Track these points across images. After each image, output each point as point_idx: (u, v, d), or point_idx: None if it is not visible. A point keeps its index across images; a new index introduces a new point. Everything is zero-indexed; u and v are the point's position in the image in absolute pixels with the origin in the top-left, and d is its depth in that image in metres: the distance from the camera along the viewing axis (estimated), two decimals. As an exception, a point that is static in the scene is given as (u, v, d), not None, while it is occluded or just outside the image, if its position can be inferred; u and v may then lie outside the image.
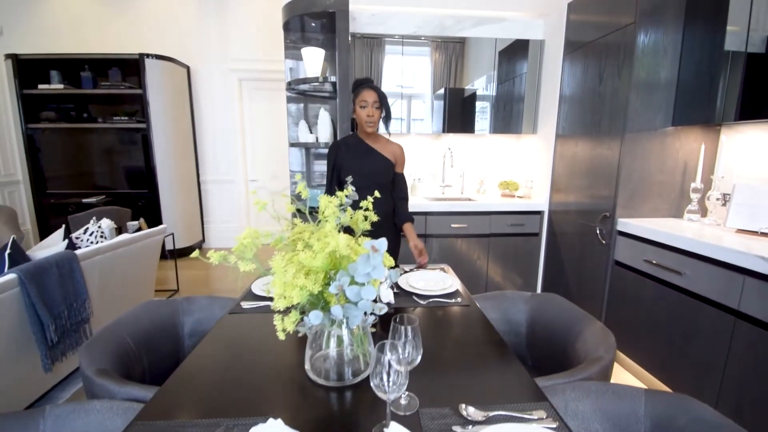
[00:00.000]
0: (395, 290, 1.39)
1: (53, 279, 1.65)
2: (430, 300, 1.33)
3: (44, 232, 4.23)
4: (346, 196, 0.92)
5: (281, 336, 0.74)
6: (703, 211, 2.05)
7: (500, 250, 2.88)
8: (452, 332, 1.18)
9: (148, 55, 3.91)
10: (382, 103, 1.73)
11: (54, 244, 2.23)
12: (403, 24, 2.84)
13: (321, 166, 3.10)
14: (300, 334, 0.80)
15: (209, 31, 4.39)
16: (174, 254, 3.49)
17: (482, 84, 3.05)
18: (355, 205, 0.95)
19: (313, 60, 2.47)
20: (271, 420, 0.70)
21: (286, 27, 2.65)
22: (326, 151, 2.99)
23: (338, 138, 2.54)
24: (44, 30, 4.29)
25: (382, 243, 0.65)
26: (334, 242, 0.68)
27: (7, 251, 1.92)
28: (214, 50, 4.42)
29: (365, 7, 2.75)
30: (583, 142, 2.45)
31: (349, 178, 1.06)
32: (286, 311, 0.75)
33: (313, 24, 2.65)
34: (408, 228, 1.85)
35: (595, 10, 2.34)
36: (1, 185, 4.31)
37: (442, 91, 3.04)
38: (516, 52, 2.98)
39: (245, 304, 1.31)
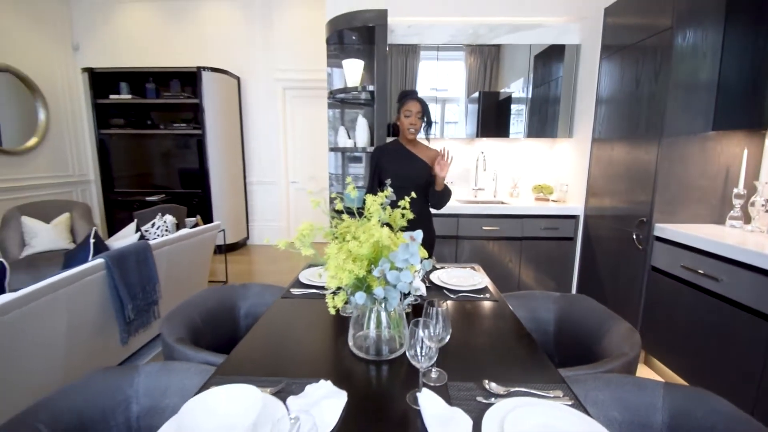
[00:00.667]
0: (427, 284, 1.51)
1: (132, 265, 1.92)
2: (460, 294, 1.44)
3: (110, 226, 4.73)
4: (386, 196, 1.06)
5: (332, 311, 0.88)
6: (747, 218, 2.00)
7: (533, 253, 2.91)
8: (480, 323, 1.28)
9: (204, 68, 4.28)
10: (425, 113, 1.91)
11: (128, 236, 2.54)
12: (438, 34, 2.96)
13: (355, 169, 3.27)
14: (348, 311, 0.94)
15: (257, 45, 4.73)
16: (224, 249, 3.79)
17: (517, 87, 3.09)
18: (393, 205, 1.09)
19: (353, 70, 2.64)
20: (322, 381, 0.85)
21: (329, 41, 2.84)
22: (362, 155, 3.19)
23: (375, 142, 2.70)
24: (115, 46, 4.81)
25: (419, 233, 0.78)
26: (378, 234, 0.82)
27: (92, 240, 2.24)
28: (262, 62, 4.76)
29: (402, 19, 2.89)
30: (620, 146, 2.45)
31: (388, 181, 1.20)
32: (337, 290, 0.90)
33: (354, 37, 2.82)
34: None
35: (633, 14, 2.34)
36: (75, 184, 4.87)
37: (476, 94, 3.12)
38: (552, 56, 3.01)
39: (295, 291, 1.48)
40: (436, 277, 1.58)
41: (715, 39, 1.99)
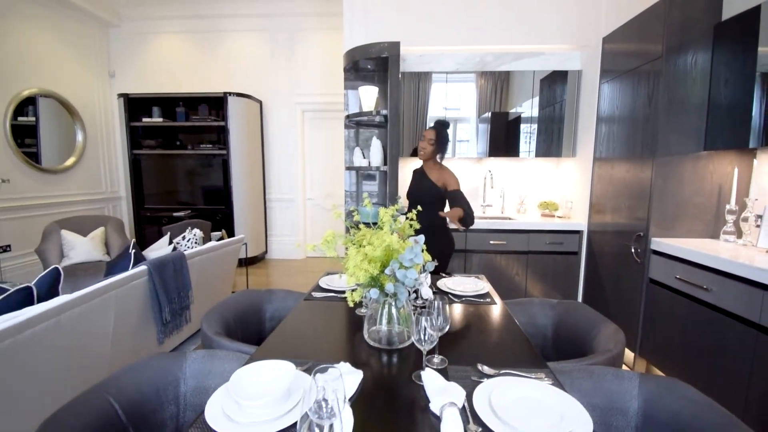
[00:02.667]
0: (434, 290, 1.67)
1: (170, 272, 2.15)
2: (464, 298, 1.60)
3: (140, 239, 5.03)
4: (397, 209, 1.25)
5: (350, 303, 1.06)
6: (740, 232, 2.11)
7: (539, 267, 3.03)
8: (479, 320, 1.43)
9: (230, 93, 4.64)
10: (438, 140, 2.28)
11: (162, 247, 2.79)
12: (447, 62, 3.20)
13: (369, 187, 3.46)
14: (363, 311, 1.12)
15: (280, 72, 5.10)
16: (245, 261, 4.02)
17: (526, 108, 3.28)
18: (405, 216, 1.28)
19: (368, 96, 2.88)
20: (342, 362, 1.02)
21: (346, 69, 3.11)
22: (376, 173, 3.41)
23: (388, 162, 2.91)
24: (148, 73, 5.24)
25: (421, 237, 0.96)
26: (388, 239, 1.00)
27: (132, 250, 2.48)
28: (283, 87, 5.11)
29: (413, 48, 3.15)
30: (620, 165, 2.59)
31: (399, 197, 1.39)
32: (354, 288, 1.08)
33: (369, 66, 3.08)
34: (454, 209, 2.16)
35: (628, 42, 2.53)
36: (107, 200, 5.23)
37: (487, 114, 3.31)
38: (556, 80, 3.20)
39: (316, 294, 1.66)
40: (443, 283, 1.75)
41: (704, 64, 2.15)
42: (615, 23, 2.74)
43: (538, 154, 3.29)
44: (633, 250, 2.38)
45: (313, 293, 1.68)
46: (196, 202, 5.12)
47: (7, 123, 3.90)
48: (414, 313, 0.98)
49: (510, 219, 3.25)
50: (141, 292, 2.02)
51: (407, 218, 1.22)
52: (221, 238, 3.41)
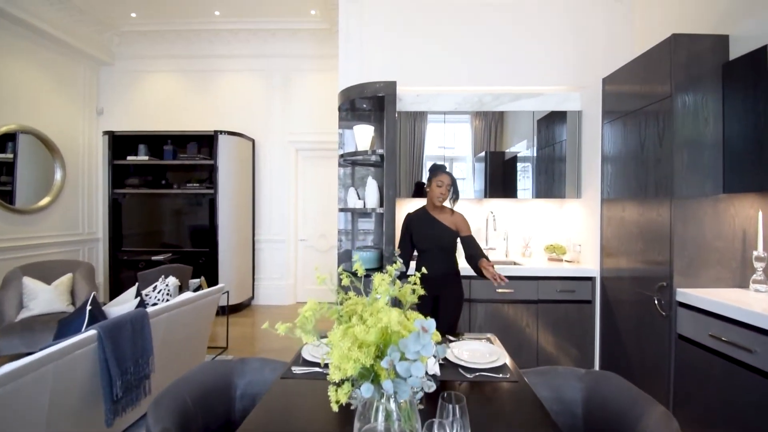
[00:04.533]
0: (441, 361, 1.39)
1: (126, 336, 1.83)
2: (477, 374, 1.32)
3: (115, 285, 4.66)
4: (396, 269, 1.01)
5: (335, 407, 0.79)
6: (774, 283, 1.89)
7: (551, 318, 2.76)
8: (501, 411, 1.15)
9: (221, 132, 4.51)
10: (453, 185, 2.25)
11: (127, 301, 2.47)
12: (444, 102, 3.10)
13: (364, 225, 3.23)
14: (353, 407, 0.84)
15: (274, 110, 5.02)
16: (226, 311, 3.68)
17: (522, 148, 3.15)
18: (403, 276, 1.03)
19: (363, 135, 2.73)
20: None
21: (341, 108, 2.98)
22: (372, 215, 3.20)
23: (384, 203, 2.70)
24: (137, 110, 5.13)
25: (431, 323, 0.71)
26: (386, 318, 0.75)
27: (88, 307, 2.17)
28: (277, 125, 5.01)
29: (410, 89, 3.06)
30: (631, 206, 2.41)
31: (398, 251, 1.16)
32: (340, 383, 0.81)
33: (364, 105, 2.96)
34: (483, 261, 2.12)
35: (631, 83, 2.43)
36: (83, 242, 4.91)
37: (483, 154, 3.18)
38: (554, 120, 3.10)
39: (296, 369, 1.37)
40: (450, 351, 1.47)
41: (715, 104, 2.03)
42: (613, 64, 2.68)
43: (538, 195, 3.13)
44: (656, 302, 2.13)
45: (293, 368, 1.39)
46: (181, 243, 4.82)
47: (-23, 161, 3.66)
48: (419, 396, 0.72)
49: (516, 264, 3.01)
50: (87, 363, 1.70)
51: (408, 280, 0.97)
52: (200, 287, 3.10)
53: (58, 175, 4.57)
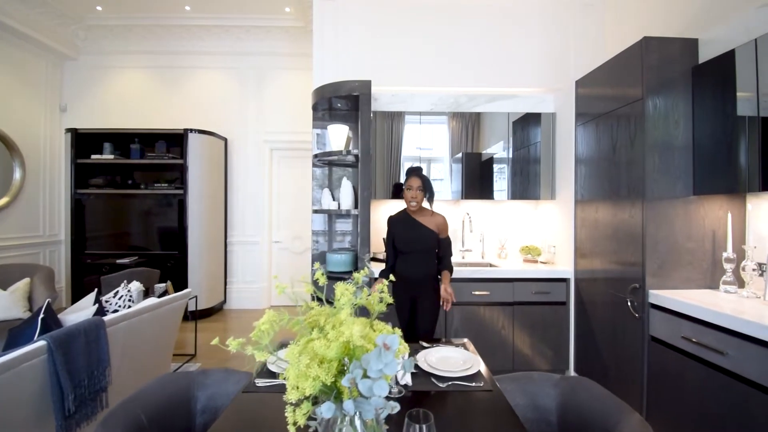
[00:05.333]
0: (413, 370, 1.34)
1: (79, 346, 1.70)
2: (450, 383, 1.27)
3: (77, 289, 4.41)
4: (365, 275, 0.95)
5: (291, 430, 0.72)
6: (740, 282, 1.94)
7: (526, 319, 2.76)
8: (474, 423, 1.10)
9: (191, 130, 4.32)
10: (425, 187, 2.23)
11: (85, 308, 2.31)
12: (420, 102, 3.07)
13: (342, 226, 3.16)
14: (311, 430, 0.78)
15: (247, 109, 4.86)
16: (195, 316, 3.52)
17: (498, 149, 3.15)
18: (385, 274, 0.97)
19: (338, 135, 2.65)
20: None
21: (315, 107, 2.90)
22: (349, 216, 3.13)
23: (359, 205, 2.64)
24: (103, 108, 4.87)
25: (394, 339, 0.65)
26: (348, 332, 0.69)
27: (41, 315, 2.01)
28: (250, 124, 4.85)
29: (386, 88, 3.01)
30: (604, 208, 2.44)
31: (367, 256, 1.10)
32: (298, 402, 0.74)
33: (339, 104, 2.89)
34: (445, 275, 2.24)
35: (603, 86, 2.46)
36: (44, 245, 4.62)
37: (460, 155, 3.16)
38: (529, 122, 3.11)
39: (259, 382, 1.29)
40: (423, 359, 1.42)
41: (685, 106, 2.07)
42: (586, 66, 2.71)
43: (514, 196, 3.14)
44: (629, 303, 2.15)
45: (257, 380, 1.31)
46: (149, 246, 4.60)
47: None
48: (384, 414, 0.66)
49: (492, 266, 3.01)
50: (36, 376, 1.56)
51: (377, 290, 0.91)
52: (165, 292, 2.95)
53: (17, 175, 4.29)
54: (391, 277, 1.03)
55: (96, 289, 2.50)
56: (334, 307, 0.84)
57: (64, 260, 4.67)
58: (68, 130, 4.43)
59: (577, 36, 3.01)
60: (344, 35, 3.04)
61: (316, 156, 2.86)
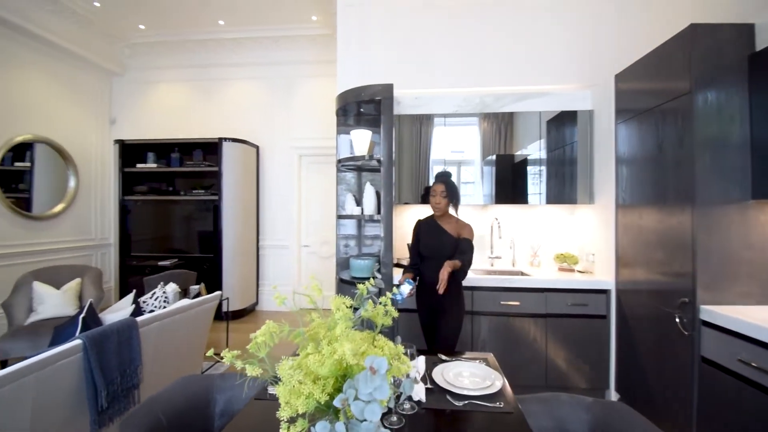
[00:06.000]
0: (428, 385, 1.27)
1: (113, 345, 1.78)
2: (467, 401, 1.19)
3: (123, 289, 4.71)
4: (373, 285, 0.90)
5: (284, 450, 0.69)
6: (814, 300, 1.69)
7: (561, 333, 2.58)
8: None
9: (225, 139, 4.51)
10: (449, 192, 2.17)
11: (123, 308, 2.44)
12: (444, 104, 2.99)
13: (372, 230, 3.12)
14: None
15: (277, 117, 5.00)
16: (227, 317, 3.63)
17: (532, 152, 3.00)
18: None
19: (361, 140, 2.63)
20: None
21: (339, 112, 2.91)
22: (371, 222, 3.10)
23: (382, 210, 2.61)
24: (147, 119, 5.20)
25: (382, 363, 0.60)
26: (340, 350, 0.65)
27: (82, 314, 2.14)
28: (280, 132, 4.99)
29: (408, 91, 2.96)
30: (648, 213, 2.24)
31: (376, 266, 1.05)
32: (293, 420, 0.71)
33: (362, 109, 2.88)
34: (449, 262, 2.01)
35: (646, 79, 2.27)
36: (95, 247, 4.97)
37: (492, 157, 3.04)
38: (564, 121, 2.94)
39: (272, 390, 1.27)
40: (440, 373, 1.35)
41: (741, 100, 1.85)
42: (626, 60, 2.51)
43: (549, 201, 2.96)
44: (677, 319, 1.95)
45: (269, 388, 1.30)
46: (189, 249, 4.84)
47: (-8, 169, 3.75)
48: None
49: (523, 274, 2.86)
50: (71, 374, 1.65)
51: (380, 302, 0.86)
52: (199, 294, 3.06)
53: (71, 183, 4.66)
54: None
55: (134, 291, 2.64)
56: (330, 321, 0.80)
57: (113, 262, 5.00)
58: (116, 141, 4.77)
59: (617, 26, 2.79)
60: (368, 40, 3.03)
61: (339, 161, 2.86)
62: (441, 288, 1.96)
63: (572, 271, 2.87)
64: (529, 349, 2.60)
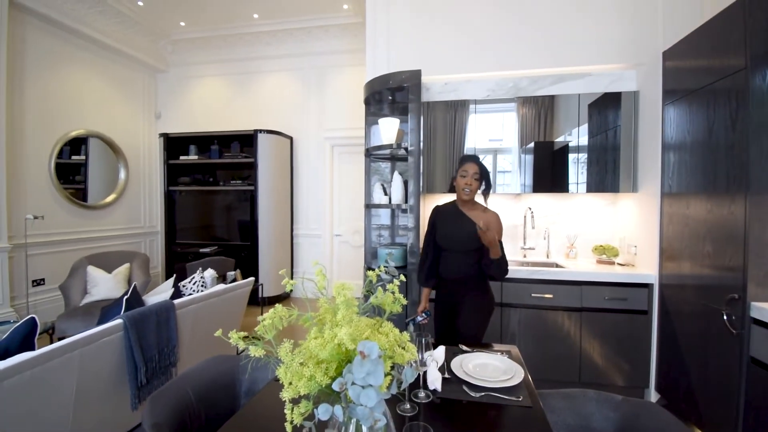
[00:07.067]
0: (445, 375, 1.26)
1: (151, 326, 1.91)
2: (484, 393, 1.16)
3: (169, 274, 5.03)
4: (384, 272, 0.90)
5: (288, 429, 0.70)
6: None
7: (597, 328, 2.46)
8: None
9: (260, 131, 4.65)
10: (482, 176, 1.92)
11: (165, 291, 2.61)
12: (474, 89, 2.87)
13: (404, 220, 3.09)
14: (305, 430, 0.75)
15: (309, 107, 5.08)
16: (263, 302, 3.79)
17: (573, 137, 2.82)
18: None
19: (389, 129, 2.61)
20: None
21: (367, 101, 2.90)
22: (407, 210, 3.07)
23: (409, 199, 2.58)
24: (189, 113, 5.46)
25: (373, 348, 0.59)
26: (339, 335, 0.65)
27: (126, 296, 2.31)
28: (313, 122, 5.07)
29: (437, 77, 2.88)
30: (697, 202, 2.05)
31: (389, 252, 1.04)
32: (297, 400, 0.73)
33: (390, 97, 2.85)
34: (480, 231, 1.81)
35: (696, 56, 2.06)
36: (144, 235, 5.35)
37: (531, 145, 2.90)
38: (607, 104, 2.74)
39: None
40: (459, 364, 1.33)
41: (805, 77, 1.64)
42: (675, 35, 2.29)
43: (589, 189, 2.78)
44: (725, 316, 1.79)
45: (288, 370, 1.34)
46: (228, 237, 5.09)
47: (52, 162, 4.11)
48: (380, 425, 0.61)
49: (558, 266, 2.73)
50: (113, 350, 1.79)
51: (388, 289, 0.86)
52: (234, 279, 3.21)
53: (122, 175, 5.02)
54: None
55: (174, 275, 2.81)
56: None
57: (160, 248, 5.36)
58: (161, 134, 5.05)
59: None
60: (396, 26, 2.97)
61: (368, 150, 2.86)
62: (482, 230, 1.76)
63: (612, 263, 2.71)
64: (562, 344, 2.50)
